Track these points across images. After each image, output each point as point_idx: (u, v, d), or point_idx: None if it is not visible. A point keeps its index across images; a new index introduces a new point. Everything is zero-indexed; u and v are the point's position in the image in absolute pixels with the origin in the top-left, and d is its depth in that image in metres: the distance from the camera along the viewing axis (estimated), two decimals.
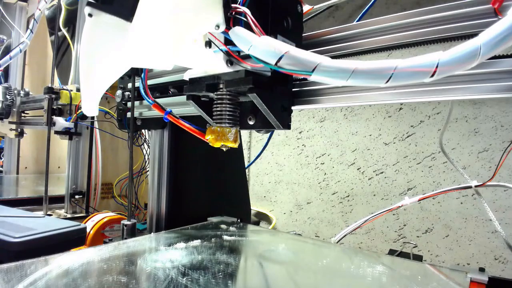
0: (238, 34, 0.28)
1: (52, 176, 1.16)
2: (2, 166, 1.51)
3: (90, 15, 0.27)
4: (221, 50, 0.33)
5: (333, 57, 0.24)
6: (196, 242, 0.50)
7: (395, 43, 0.37)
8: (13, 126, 1.11)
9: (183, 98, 0.46)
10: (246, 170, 1.16)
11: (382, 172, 0.96)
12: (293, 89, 0.44)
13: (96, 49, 0.29)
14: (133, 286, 0.35)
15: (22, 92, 1.10)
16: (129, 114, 0.61)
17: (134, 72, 0.59)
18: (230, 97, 0.40)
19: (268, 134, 1.14)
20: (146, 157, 1.02)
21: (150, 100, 0.48)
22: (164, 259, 0.43)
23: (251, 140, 1.28)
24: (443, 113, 0.86)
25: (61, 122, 0.91)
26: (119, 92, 0.63)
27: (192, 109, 0.45)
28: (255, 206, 1.23)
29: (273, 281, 0.41)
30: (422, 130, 0.90)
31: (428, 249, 0.88)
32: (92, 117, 0.87)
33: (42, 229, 0.50)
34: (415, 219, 0.90)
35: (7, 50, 1.15)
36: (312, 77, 0.24)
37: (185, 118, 0.45)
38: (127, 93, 0.62)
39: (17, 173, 1.48)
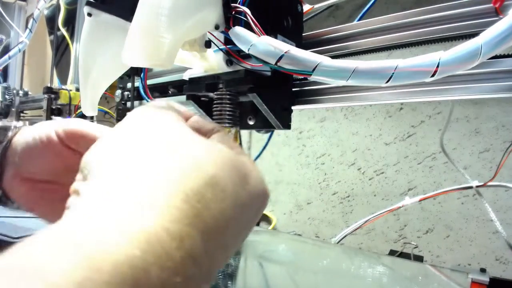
0: (238, 33, 0.28)
1: None
2: None
3: (89, 14, 0.27)
4: (221, 50, 0.33)
5: (333, 57, 0.24)
6: None
7: (395, 42, 0.36)
8: None
9: (182, 98, 0.46)
10: None
11: (382, 172, 0.96)
12: (293, 89, 0.43)
13: (96, 48, 0.28)
14: None
15: (21, 92, 1.10)
16: None
17: (134, 72, 0.59)
18: (230, 97, 0.40)
19: (268, 134, 1.13)
20: None
21: (149, 100, 0.48)
22: None
23: (251, 140, 1.28)
24: (444, 113, 0.86)
25: None
26: (118, 92, 0.63)
27: (192, 109, 0.45)
28: None
29: (273, 282, 0.40)
30: (422, 130, 0.90)
31: (429, 249, 0.88)
32: (92, 117, 0.87)
33: (41, 229, 0.50)
34: (415, 220, 0.90)
35: (6, 49, 1.15)
36: (312, 77, 0.24)
37: None
38: (126, 93, 0.62)
39: None
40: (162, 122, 0.19)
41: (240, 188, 0.18)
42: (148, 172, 0.15)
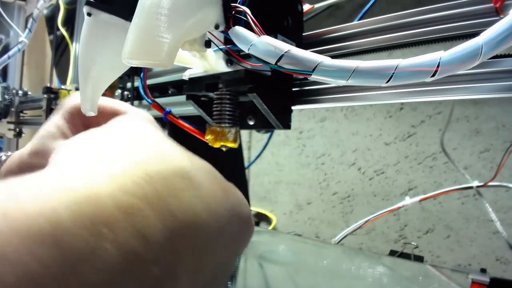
0: (238, 33, 0.28)
1: None
2: None
3: (89, 14, 0.27)
4: (221, 50, 0.33)
5: (333, 57, 0.24)
6: None
7: (395, 42, 0.36)
8: (12, 126, 1.11)
9: (182, 97, 0.46)
10: (246, 170, 1.16)
11: (383, 172, 0.96)
12: (293, 89, 0.43)
13: (95, 48, 0.28)
14: None
15: (20, 92, 1.10)
16: None
17: (134, 72, 0.59)
18: (229, 97, 0.40)
19: (268, 134, 1.13)
20: None
21: (149, 100, 0.48)
22: None
23: (251, 140, 1.28)
24: (444, 113, 0.86)
25: None
26: (118, 92, 0.63)
27: (192, 109, 0.45)
28: (255, 206, 1.23)
29: (273, 282, 0.40)
30: (423, 130, 0.90)
31: (429, 249, 0.88)
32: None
33: None
34: (416, 220, 0.90)
35: (5, 49, 1.14)
36: (313, 77, 0.24)
37: (184, 118, 0.45)
38: (126, 92, 0.62)
39: None
40: (142, 125, 0.19)
41: (219, 196, 0.16)
42: (109, 154, 0.14)
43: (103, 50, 0.28)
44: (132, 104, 0.60)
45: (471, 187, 0.59)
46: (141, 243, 0.12)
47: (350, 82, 0.23)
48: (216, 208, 0.16)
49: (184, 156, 0.17)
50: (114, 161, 0.14)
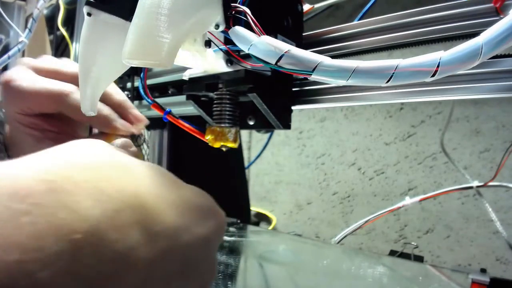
0: (238, 33, 0.28)
1: None
2: None
3: (89, 14, 0.27)
4: (221, 50, 0.33)
5: (333, 57, 0.24)
6: None
7: (395, 42, 0.36)
8: None
9: (182, 97, 0.46)
10: (246, 170, 1.16)
11: (383, 172, 0.96)
12: (293, 89, 0.43)
13: (95, 48, 0.28)
14: None
15: None
16: None
17: (134, 72, 0.59)
18: (229, 97, 0.40)
19: (268, 134, 1.13)
20: (146, 157, 1.02)
21: (149, 100, 0.48)
22: None
23: (251, 140, 1.28)
24: (444, 113, 0.86)
25: None
26: None
27: (192, 109, 0.45)
28: (255, 206, 1.23)
29: (273, 282, 0.40)
30: (423, 130, 0.90)
31: (429, 249, 0.88)
32: None
33: None
34: (416, 220, 0.90)
35: (5, 49, 1.14)
36: (313, 77, 0.24)
37: (184, 118, 0.45)
38: (126, 92, 0.62)
39: None
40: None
41: (166, 185, 0.17)
42: (45, 156, 0.15)
43: (103, 50, 0.28)
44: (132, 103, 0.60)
45: (471, 187, 0.59)
46: (72, 216, 0.12)
47: (350, 82, 0.23)
48: (163, 193, 0.16)
49: (125, 157, 0.17)
50: (46, 158, 0.14)
